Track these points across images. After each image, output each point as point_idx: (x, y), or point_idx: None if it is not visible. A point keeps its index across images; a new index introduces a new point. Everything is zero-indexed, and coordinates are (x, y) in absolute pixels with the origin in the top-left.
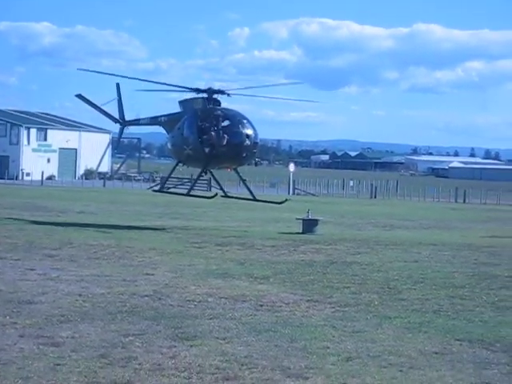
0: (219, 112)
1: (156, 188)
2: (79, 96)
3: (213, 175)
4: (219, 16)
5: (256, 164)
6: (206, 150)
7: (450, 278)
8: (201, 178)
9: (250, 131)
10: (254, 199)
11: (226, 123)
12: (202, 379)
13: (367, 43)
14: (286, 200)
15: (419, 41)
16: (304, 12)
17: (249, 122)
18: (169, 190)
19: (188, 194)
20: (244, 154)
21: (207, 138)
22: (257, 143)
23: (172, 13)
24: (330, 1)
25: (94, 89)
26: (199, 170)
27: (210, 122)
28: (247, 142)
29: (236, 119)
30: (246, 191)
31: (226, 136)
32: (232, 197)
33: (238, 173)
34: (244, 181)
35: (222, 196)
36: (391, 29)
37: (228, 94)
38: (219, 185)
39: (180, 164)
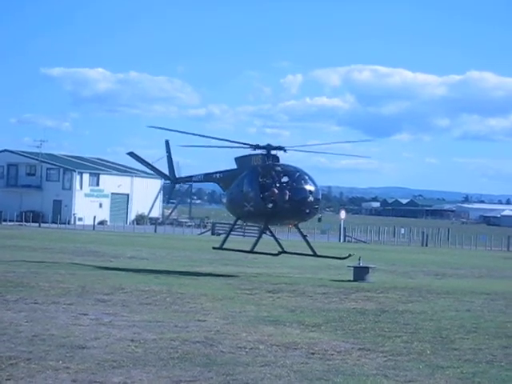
0: (280, 168)
1: (216, 245)
2: (131, 154)
3: (271, 232)
4: (271, 63)
5: (319, 220)
6: (269, 206)
7: (503, 327)
8: (263, 233)
9: (312, 187)
10: (315, 255)
11: (287, 179)
12: None
13: (419, 90)
14: (350, 255)
15: (472, 88)
16: (356, 59)
17: (310, 177)
18: (231, 248)
19: (251, 251)
20: (307, 211)
21: (269, 194)
22: (319, 199)
23: (225, 59)
24: (382, 48)
25: (145, 135)
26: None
27: (271, 178)
28: (310, 198)
29: (298, 175)
30: (298, 238)
31: (288, 192)
32: (291, 253)
33: (298, 229)
34: (305, 237)
35: (281, 252)
36: (444, 76)
37: (285, 150)
38: (277, 241)
39: (239, 221)
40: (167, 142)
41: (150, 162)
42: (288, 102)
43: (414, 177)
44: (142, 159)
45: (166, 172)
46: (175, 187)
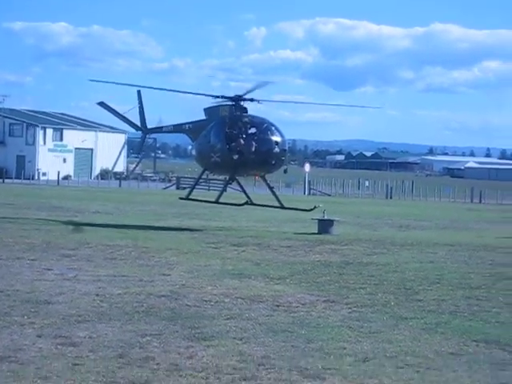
0: (247, 119)
1: (182, 196)
2: (101, 104)
3: (239, 183)
4: (236, 16)
5: (285, 171)
6: (235, 157)
7: (466, 278)
8: (229, 184)
9: (278, 138)
10: (282, 207)
11: (254, 130)
12: (219, 379)
13: (383, 43)
14: (315, 207)
15: (436, 40)
16: (320, 12)
17: (277, 128)
18: (196, 198)
19: (217, 202)
20: (273, 162)
21: (235, 145)
22: (285, 150)
23: (189, 12)
24: (346, 1)
25: (109, 90)
26: (225, 177)
27: (237, 129)
28: (276, 149)
29: (264, 126)
30: (264, 192)
31: (254, 143)
32: (259, 205)
33: (265, 180)
34: (272, 188)
35: (249, 204)
36: (408, 28)
37: (258, 101)
38: (245, 193)
39: (206, 172)
40: (139, 93)
41: (121, 113)
42: (252, 56)
43: (378, 129)
44: (112, 109)
45: (137, 122)
46: (146, 138)
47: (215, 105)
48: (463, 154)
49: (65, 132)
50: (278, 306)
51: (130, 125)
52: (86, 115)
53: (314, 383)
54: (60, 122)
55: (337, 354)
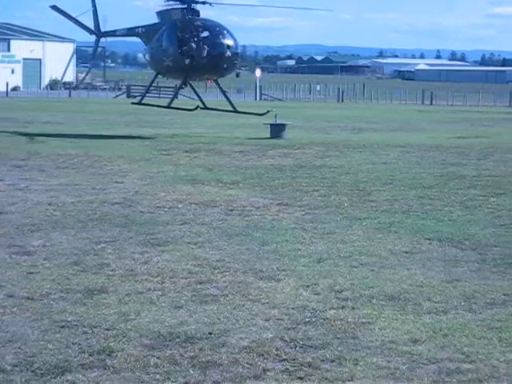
0: (199, 22)
1: (135, 101)
2: (54, 7)
3: (192, 87)
4: None
5: (237, 75)
6: (186, 61)
7: (418, 178)
8: (181, 88)
9: (230, 42)
10: (235, 111)
11: (206, 34)
12: (175, 283)
13: None
14: (268, 111)
15: None
16: None
17: (229, 32)
18: (149, 103)
19: (168, 107)
20: (225, 65)
21: (187, 49)
22: (238, 54)
23: None
24: None
25: None
26: (179, 81)
27: (189, 32)
28: (228, 52)
29: (216, 30)
30: (215, 98)
31: (206, 47)
32: (212, 109)
33: (218, 84)
34: (225, 92)
35: (202, 108)
36: None
37: (210, 4)
38: (199, 97)
39: (159, 76)
40: None
41: (74, 16)
42: None
43: (328, 33)
44: (65, 13)
45: (91, 26)
46: (100, 41)
47: (167, 8)
48: (413, 57)
49: (12, 42)
50: (231, 210)
51: (83, 28)
52: (32, 25)
53: (270, 284)
54: (6, 32)
55: (291, 255)
